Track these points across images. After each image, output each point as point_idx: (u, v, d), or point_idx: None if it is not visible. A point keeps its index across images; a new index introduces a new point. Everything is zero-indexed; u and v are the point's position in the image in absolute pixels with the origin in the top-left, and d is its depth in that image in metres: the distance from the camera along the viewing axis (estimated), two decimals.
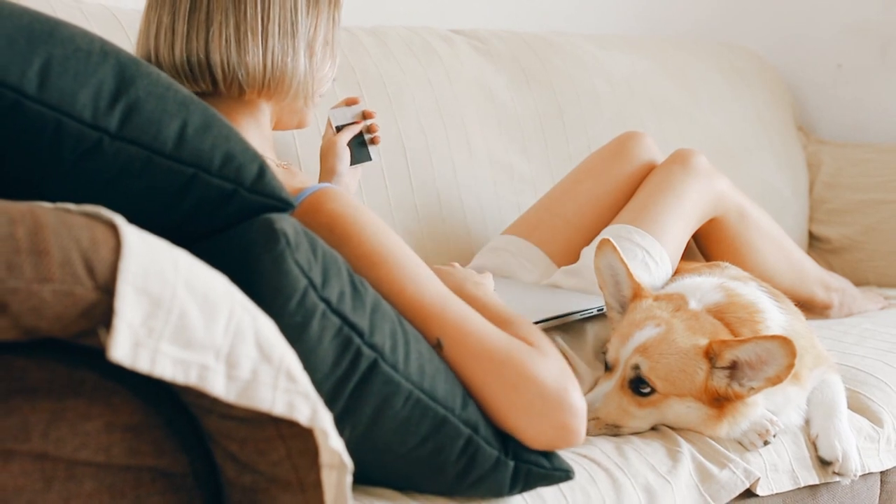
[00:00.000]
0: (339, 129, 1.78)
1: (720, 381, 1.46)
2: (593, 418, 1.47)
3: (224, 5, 1.36)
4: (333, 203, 1.26)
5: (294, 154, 1.97)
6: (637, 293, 1.58)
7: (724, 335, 1.51)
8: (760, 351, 1.42)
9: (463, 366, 1.21)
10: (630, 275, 1.59)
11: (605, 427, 1.48)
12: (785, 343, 1.41)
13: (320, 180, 1.76)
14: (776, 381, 1.42)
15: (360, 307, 1.10)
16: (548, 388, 1.20)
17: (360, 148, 1.79)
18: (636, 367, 1.48)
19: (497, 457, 1.20)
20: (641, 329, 1.50)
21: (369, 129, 1.79)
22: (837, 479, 1.56)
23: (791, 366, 1.41)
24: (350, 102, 1.80)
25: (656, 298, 1.57)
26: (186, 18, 1.37)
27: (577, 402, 1.21)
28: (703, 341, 1.47)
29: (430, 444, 1.16)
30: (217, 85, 1.38)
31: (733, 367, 1.45)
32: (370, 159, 1.80)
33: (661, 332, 1.48)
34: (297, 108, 1.47)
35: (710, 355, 1.46)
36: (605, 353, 1.55)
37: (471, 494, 1.22)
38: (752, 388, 1.44)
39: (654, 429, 1.51)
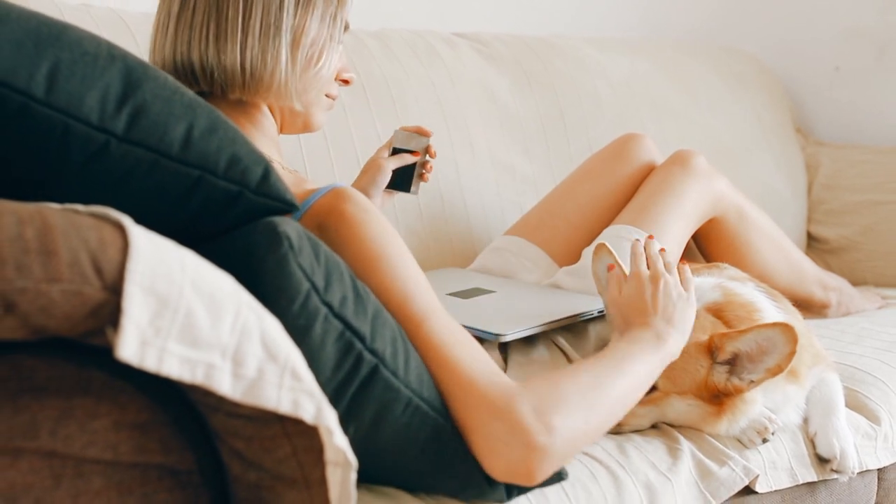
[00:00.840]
0: (395, 151, 1.71)
1: (720, 376, 1.46)
2: None
3: (207, 4, 1.34)
4: (347, 203, 1.25)
5: (300, 162, 1.97)
6: None
7: None
8: (761, 340, 1.42)
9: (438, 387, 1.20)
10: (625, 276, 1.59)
11: None
12: (786, 329, 1.40)
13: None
14: (776, 370, 1.42)
15: (361, 313, 1.10)
16: (493, 455, 1.16)
17: (405, 178, 1.70)
18: None
19: None
20: None
21: (423, 166, 1.72)
22: (835, 476, 1.56)
23: (792, 353, 1.40)
24: (422, 132, 1.72)
25: None
26: (176, 18, 1.36)
27: (525, 468, 1.16)
28: (703, 338, 1.47)
29: (431, 452, 1.16)
30: (200, 85, 1.36)
31: (733, 362, 1.46)
32: (408, 191, 1.71)
33: None
34: (294, 109, 1.43)
35: (711, 349, 1.46)
36: None
37: (475, 497, 1.22)
38: (752, 381, 1.44)
39: (654, 427, 1.51)
